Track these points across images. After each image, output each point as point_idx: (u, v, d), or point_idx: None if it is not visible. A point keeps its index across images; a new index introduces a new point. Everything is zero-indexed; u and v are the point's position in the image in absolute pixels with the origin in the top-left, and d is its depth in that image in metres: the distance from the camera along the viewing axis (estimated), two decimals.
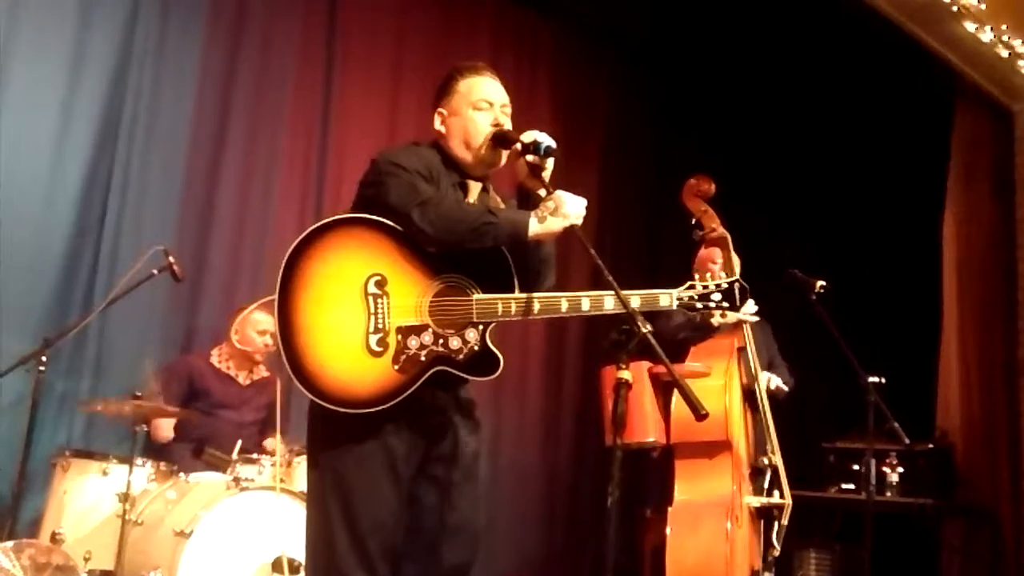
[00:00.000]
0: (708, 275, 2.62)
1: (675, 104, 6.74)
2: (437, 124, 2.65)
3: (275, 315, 2.39)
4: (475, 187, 2.63)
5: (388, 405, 2.38)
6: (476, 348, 2.44)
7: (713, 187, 3.92)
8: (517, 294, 2.46)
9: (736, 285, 2.58)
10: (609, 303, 2.45)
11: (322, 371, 2.37)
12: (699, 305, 2.57)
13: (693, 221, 3.84)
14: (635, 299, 2.48)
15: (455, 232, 2.40)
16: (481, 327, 2.44)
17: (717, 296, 2.57)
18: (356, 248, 2.44)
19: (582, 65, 6.46)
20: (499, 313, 2.44)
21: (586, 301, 2.48)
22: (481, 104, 2.60)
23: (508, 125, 2.61)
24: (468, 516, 2.53)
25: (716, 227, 3.78)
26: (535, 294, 2.48)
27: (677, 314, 4.25)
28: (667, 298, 2.55)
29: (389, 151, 2.59)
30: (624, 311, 2.31)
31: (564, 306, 2.48)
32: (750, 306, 4.03)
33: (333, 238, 2.44)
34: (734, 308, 2.58)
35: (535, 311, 2.47)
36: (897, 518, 5.39)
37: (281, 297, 2.39)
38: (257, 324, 4.52)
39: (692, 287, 2.57)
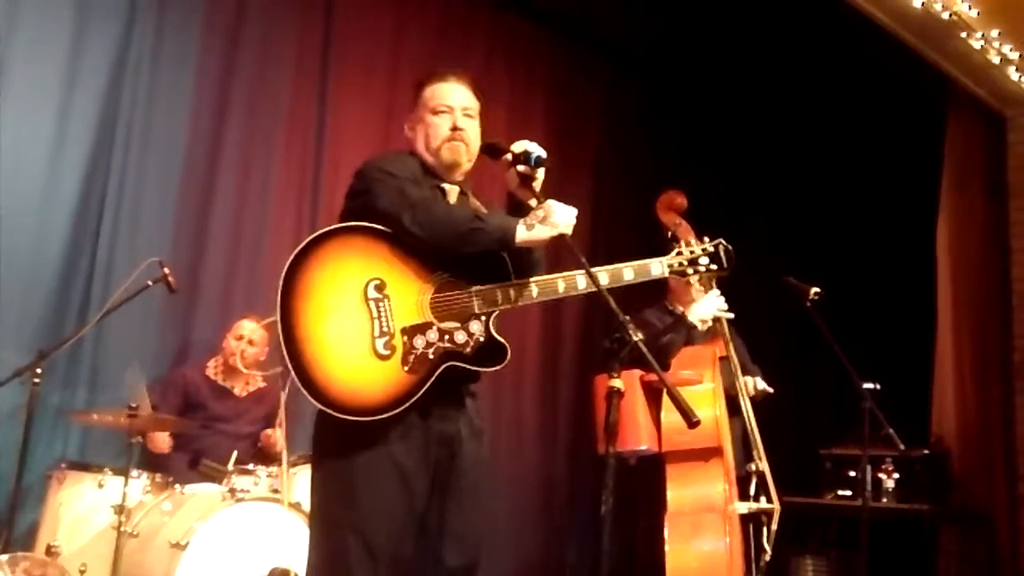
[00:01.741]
0: (687, 246, 2.69)
1: (669, 113, 6.76)
2: (407, 131, 2.72)
3: (279, 330, 2.39)
4: (453, 191, 2.66)
5: (403, 407, 2.38)
6: (482, 339, 2.46)
7: (686, 201, 3.98)
8: (514, 280, 2.50)
9: (721, 247, 2.68)
10: (604, 278, 2.50)
11: (332, 381, 2.37)
12: (689, 271, 2.66)
13: (668, 235, 3.91)
14: (628, 271, 2.56)
15: (444, 236, 2.43)
16: (484, 317, 2.47)
17: (705, 260, 2.67)
18: (352, 255, 2.46)
19: (576, 74, 6.47)
20: (500, 301, 2.47)
21: (582, 280, 2.50)
22: (440, 108, 2.64)
23: (471, 128, 2.65)
24: (471, 522, 2.53)
25: (690, 240, 3.82)
26: (532, 278, 2.51)
27: (653, 320, 4.29)
28: (658, 266, 2.62)
29: (374, 159, 2.63)
30: (618, 314, 2.31)
31: (561, 286, 2.51)
32: (721, 302, 4.09)
33: (328, 248, 2.46)
34: (722, 269, 2.67)
35: (534, 295, 2.50)
36: (893, 524, 5.39)
37: (283, 312, 2.39)
38: (236, 330, 4.54)
39: (679, 253, 2.67)
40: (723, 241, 2.69)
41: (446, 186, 2.64)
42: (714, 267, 2.65)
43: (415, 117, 2.70)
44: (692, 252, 2.65)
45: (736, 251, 2.74)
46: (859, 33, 5.39)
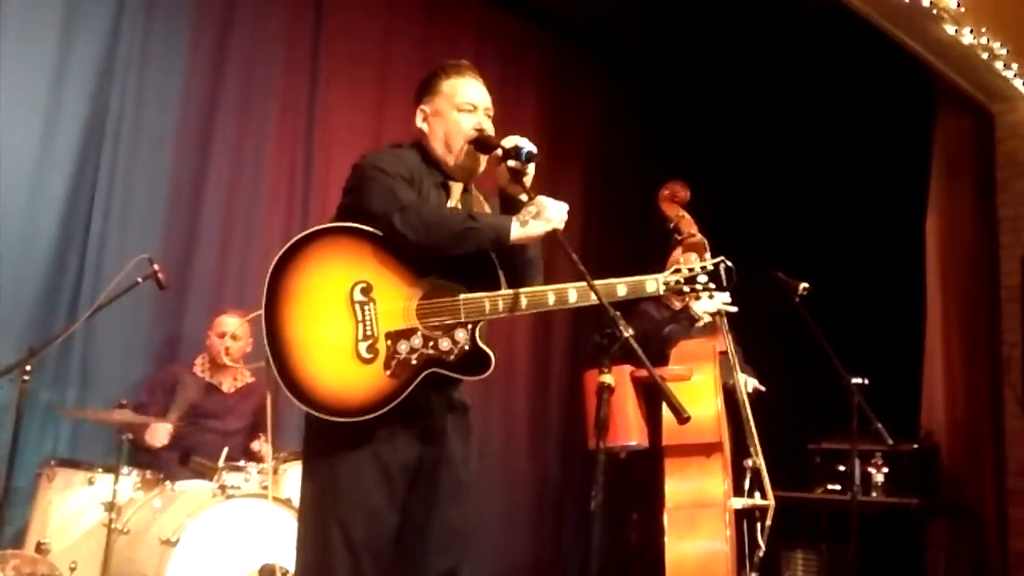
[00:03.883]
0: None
1: (660, 108, 6.76)
2: (419, 121, 2.65)
3: (263, 330, 2.38)
4: (457, 188, 2.63)
5: (383, 411, 2.38)
6: (467, 348, 2.43)
7: (689, 193, 3.98)
8: (504, 291, 2.45)
9: (722, 265, 2.57)
10: None
11: (314, 382, 2.37)
12: (686, 288, 2.56)
13: (670, 226, 3.91)
14: (622, 287, 2.49)
15: (436, 237, 2.41)
16: (470, 326, 2.44)
17: (703, 278, 2.57)
18: (339, 257, 2.44)
19: (567, 71, 6.47)
20: (487, 311, 2.43)
21: (573, 293, 2.46)
22: (465, 107, 2.59)
23: (490, 129, 2.61)
24: (457, 520, 2.53)
25: (693, 232, 3.85)
26: (522, 289, 2.47)
27: (652, 312, 4.29)
28: (654, 284, 2.54)
29: (371, 155, 2.58)
30: (608, 309, 2.29)
31: (551, 299, 2.47)
32: (726, 296, 4.10)
33: (314, 249, 2.44)
34: (721, 288, 2.57)
35: (523, 306, 2.45)
36: (882, 518, 5.42)
37: (267, 312, 2.39)
38: (217, 326, 4.53)
39: (678, 271, 2.57)
40: (725, 260, 2.58)
41: (451, 182, 2.61)
42: (712, 286, 2.56)
43: (431, 109, 2.62)
44: (691, 270, 2.57)
45: (726, 244, 2.68)
46: (849, 30, 5.41)
